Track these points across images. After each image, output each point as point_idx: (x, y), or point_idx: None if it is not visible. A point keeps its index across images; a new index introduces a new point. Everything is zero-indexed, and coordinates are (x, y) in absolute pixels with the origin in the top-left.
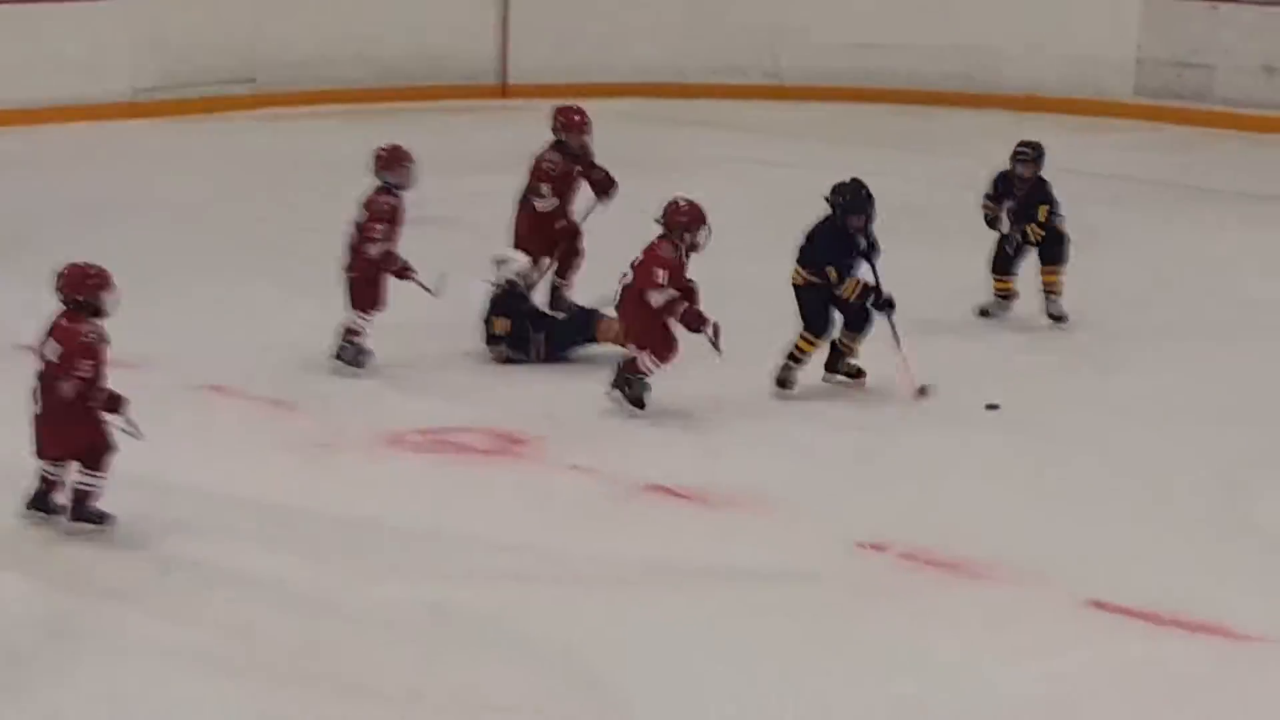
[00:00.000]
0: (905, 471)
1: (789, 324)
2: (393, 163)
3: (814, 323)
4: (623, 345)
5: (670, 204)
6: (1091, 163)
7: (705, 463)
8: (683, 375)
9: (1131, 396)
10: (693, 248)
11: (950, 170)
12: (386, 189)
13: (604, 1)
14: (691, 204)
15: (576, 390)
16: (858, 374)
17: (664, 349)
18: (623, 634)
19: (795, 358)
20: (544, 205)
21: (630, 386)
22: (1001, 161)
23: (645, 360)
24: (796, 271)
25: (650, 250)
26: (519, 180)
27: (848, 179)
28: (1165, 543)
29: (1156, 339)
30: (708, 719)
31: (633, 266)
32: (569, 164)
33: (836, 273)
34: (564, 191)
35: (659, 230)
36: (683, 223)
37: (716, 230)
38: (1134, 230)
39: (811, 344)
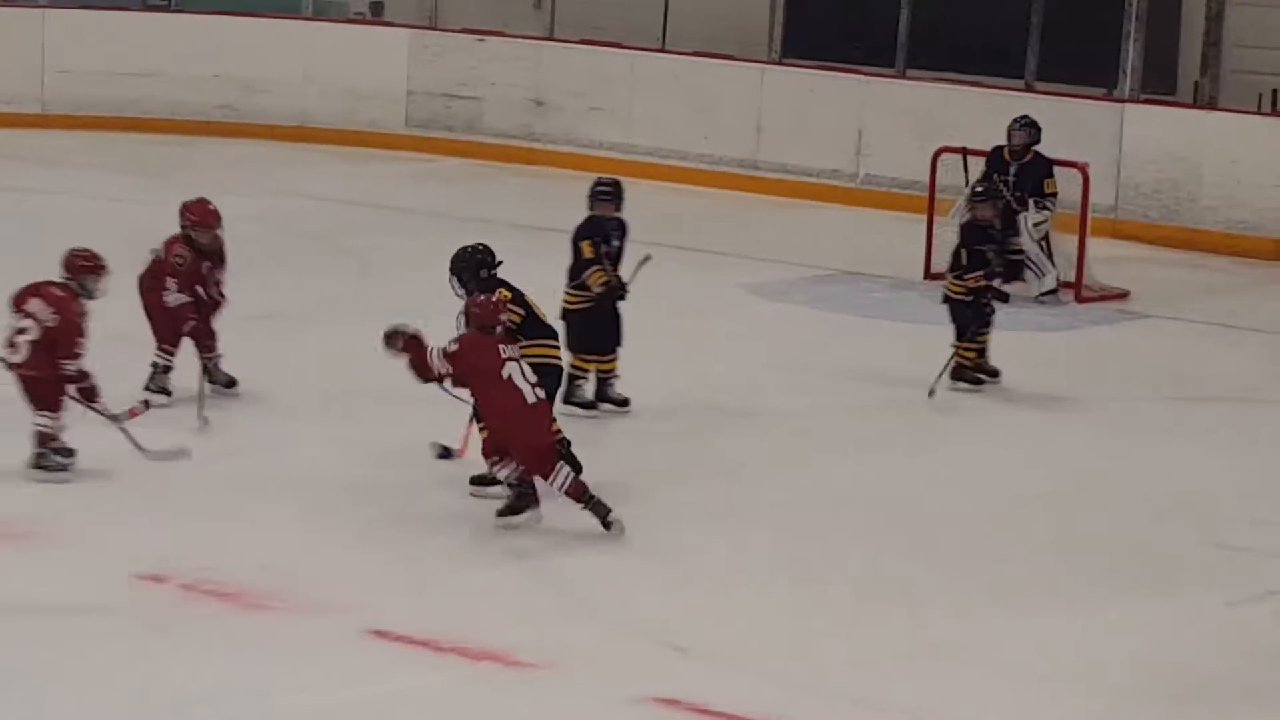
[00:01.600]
0: (195, 504)
1: None
2: None
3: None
4: None
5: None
6: (365, 193)
7: None
8: None
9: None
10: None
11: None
12: None
13: None
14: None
15: None
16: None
17: None
18: None
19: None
20: (172, 300)
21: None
22: (271, 188)
23: None
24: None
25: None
26: None
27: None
28: (440, 572)
29: None
30: None
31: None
32: (197, 259)
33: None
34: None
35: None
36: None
37: None
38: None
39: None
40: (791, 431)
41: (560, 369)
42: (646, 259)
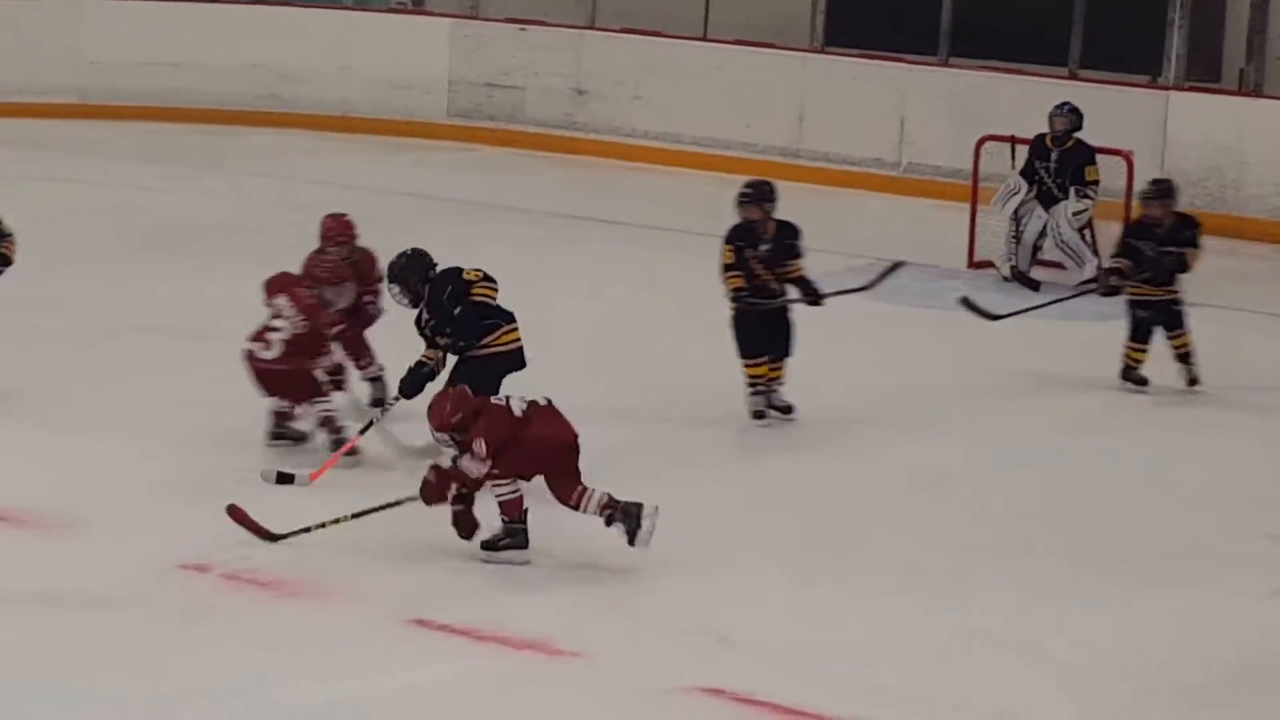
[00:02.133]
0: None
1: None
2: None
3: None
4: None
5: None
6: (406, 183)
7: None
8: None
9: None
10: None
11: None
12: None
13: None
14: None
15: None
16: None
17: None
18: None
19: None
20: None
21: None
22: (311, 178)
23: None
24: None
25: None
26: None
27: None
28: (480, 562)
29: None
30: None
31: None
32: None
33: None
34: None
35: None
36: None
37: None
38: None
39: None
40: (830, 424)
41: (520, 351)
42: (896, 266)
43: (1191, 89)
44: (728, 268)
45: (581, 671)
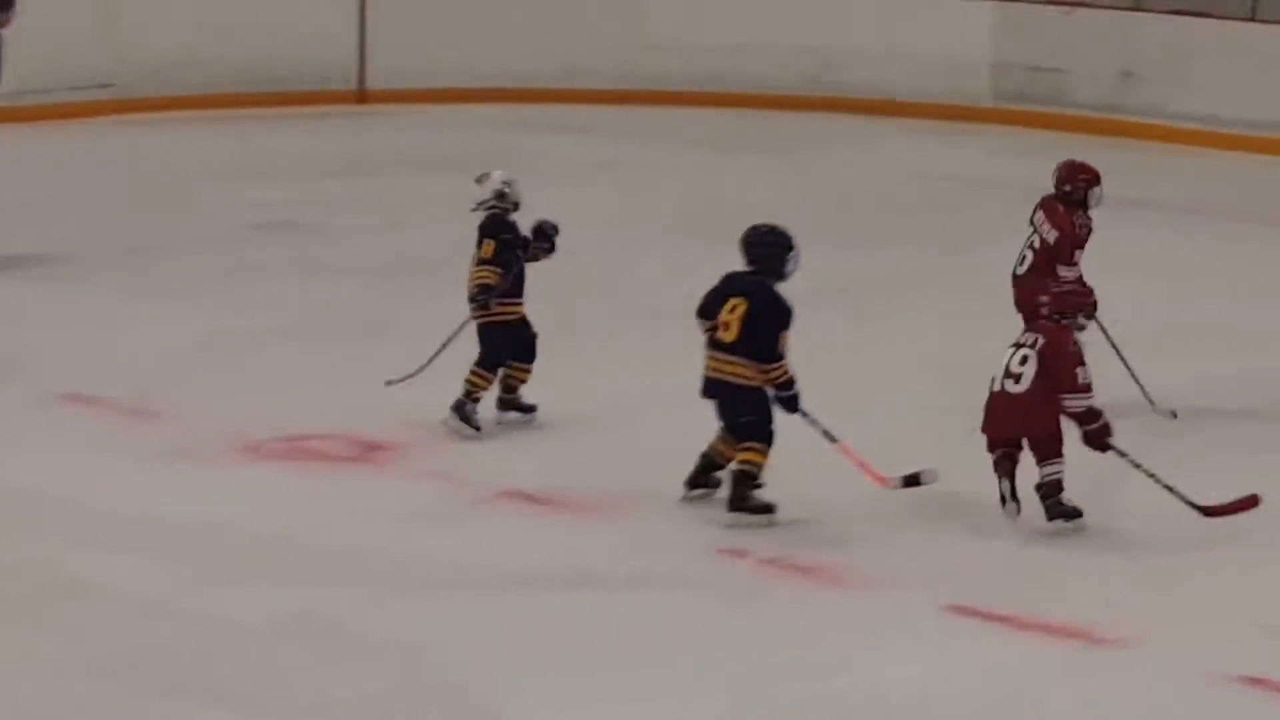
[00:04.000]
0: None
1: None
2: None
3: None
4: None
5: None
6: (947, 166)
7: (561, 467)
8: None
9: None
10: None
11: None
12: None
13: (458, 6)
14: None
15: (437, 397)
16: None
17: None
18: (484, 639)
19: None
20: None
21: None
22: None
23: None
24: None
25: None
26: (379, 186)
27: None
28: (1008, 549)
29: None
30: None
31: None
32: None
33: None
34: None
35: None
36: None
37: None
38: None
39: None
40: None
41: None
42: None
43: None
44: None
45: (1123, 659)
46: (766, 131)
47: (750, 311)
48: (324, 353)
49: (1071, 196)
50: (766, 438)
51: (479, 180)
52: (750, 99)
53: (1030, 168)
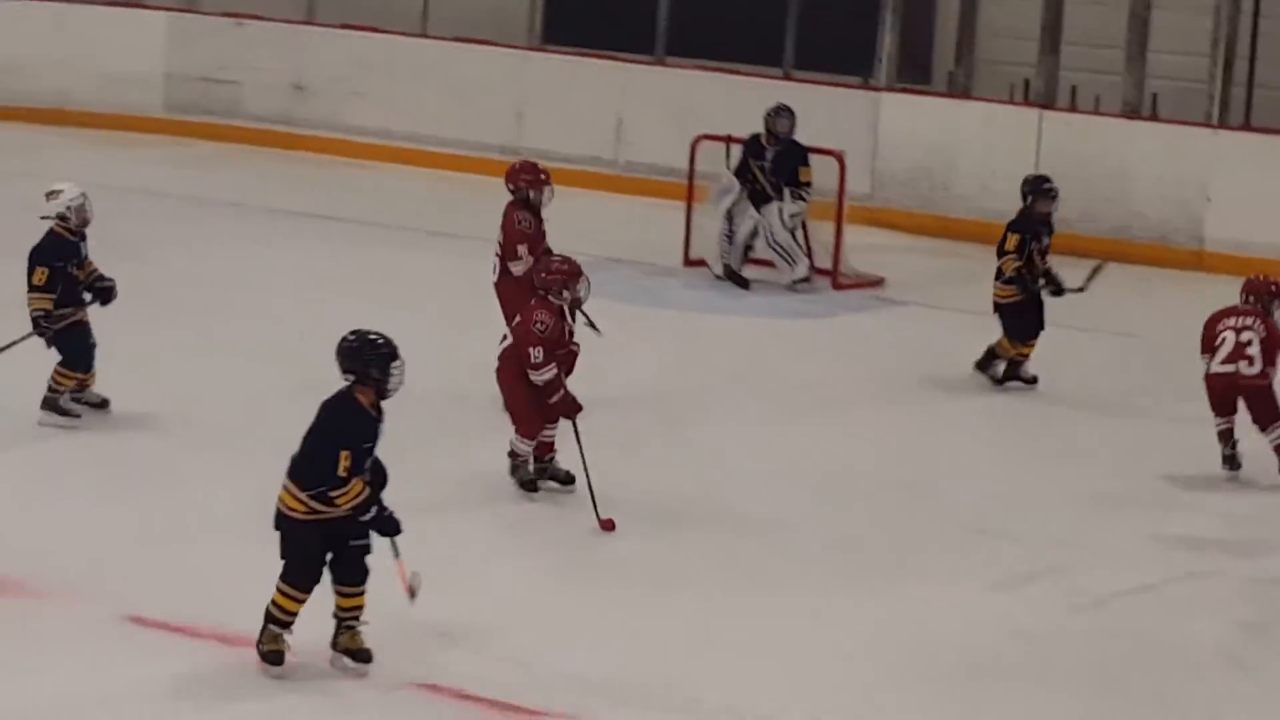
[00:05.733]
0: None
1: None
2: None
3: None
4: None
5: (541, 263)
6: (122, 177)
7: None
8: None
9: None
10: (575, 304)
11: None
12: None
13: None
14: (565, 260)
15: None
16: None
17: (527, 424)
18: None
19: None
20: (519, 268)
21: (515, 472)
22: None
23: (516, 443)
24: None
25: (528, 312)
26: None
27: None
28: (213, 557)
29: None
30: None
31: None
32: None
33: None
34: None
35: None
36: (558, 281)
37: None
38: (169, 246)
39: None
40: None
41: None
42: (1100, 267)
43: (902, 91)
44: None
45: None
46: None
47: None
48: None
49: (517, 196)
50: None
51: (49, 195)
52: None
53: (200, 180)
